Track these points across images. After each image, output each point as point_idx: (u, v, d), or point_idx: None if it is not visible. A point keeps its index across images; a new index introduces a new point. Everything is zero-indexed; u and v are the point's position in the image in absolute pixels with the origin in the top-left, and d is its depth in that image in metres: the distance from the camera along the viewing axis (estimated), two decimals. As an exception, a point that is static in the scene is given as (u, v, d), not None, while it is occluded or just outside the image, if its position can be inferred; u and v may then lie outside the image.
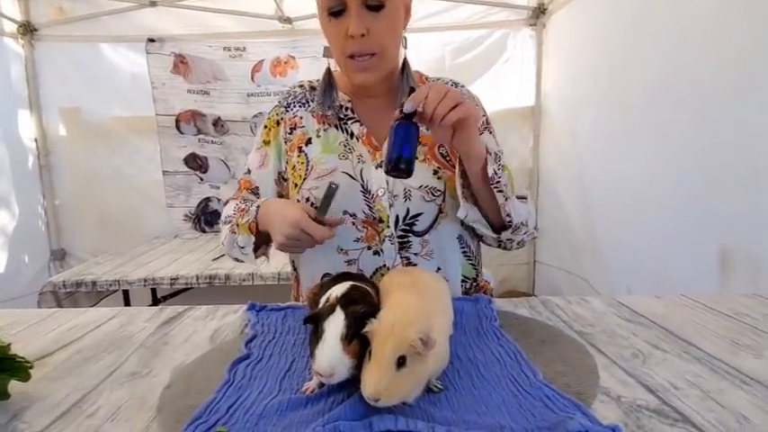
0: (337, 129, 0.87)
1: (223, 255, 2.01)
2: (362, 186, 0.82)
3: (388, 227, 0.80)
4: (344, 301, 0.51)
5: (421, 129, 0.68)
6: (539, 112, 2.47)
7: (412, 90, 0.69)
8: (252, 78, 2.43)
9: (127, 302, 2.06)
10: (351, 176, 0.83)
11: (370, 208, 0.81)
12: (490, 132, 0.91)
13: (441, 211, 0.83)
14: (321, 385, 0.52)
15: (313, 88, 0.92)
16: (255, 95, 2.44)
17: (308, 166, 0.86)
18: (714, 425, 0.45)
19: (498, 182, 0.75)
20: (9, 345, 0.54)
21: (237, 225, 0.83)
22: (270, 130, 0.91)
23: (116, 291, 1.93)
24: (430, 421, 0.45)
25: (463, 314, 0.72)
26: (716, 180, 1.29)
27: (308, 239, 0.71)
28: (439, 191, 0.83)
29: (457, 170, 0.77)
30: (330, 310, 0.50)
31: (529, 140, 2.52)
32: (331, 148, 0.86)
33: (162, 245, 2.32)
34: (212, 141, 2.47)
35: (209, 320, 0.76)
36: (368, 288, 0.58)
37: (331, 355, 0.47)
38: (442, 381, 0.52)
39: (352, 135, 0.87)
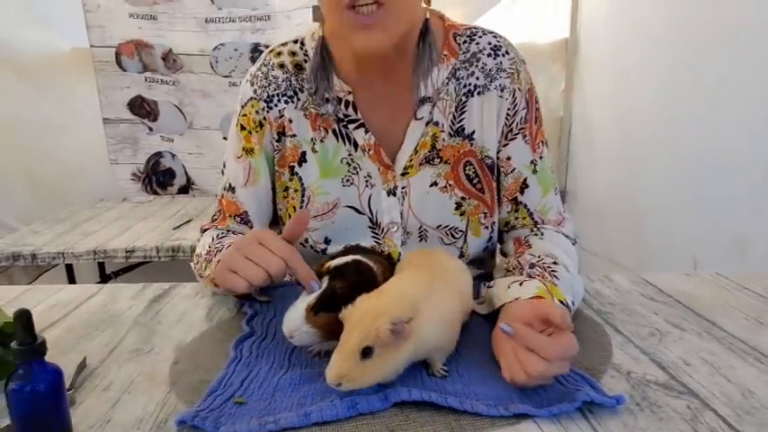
0: (336, 137, 0.83)
1: (188, 221, 2.10)
2: (371, 220, 0.83)
3: None
4: (336, 273, 0.65)
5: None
6: (573, 47, 2.55)
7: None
8: (211, -3, 2.37)
9: (71, 279, 2.19)
10: (357, 210, 0.82)
11: (379, 243, 0.84)
12: (524, 138, 0.83)
13: (462, 254, 0.85)
14: (324, 354, 0.67)
15: (299, 67, 0.84)
16: (216, 21, 2.39)
17: (303, 195, 0.84)
18: (718, 397, 0.60)
19: None
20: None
21: (201, 276, 0.85)
22: (251, 133, 0.85)
23: (57, 265, 2.02)
24: (443, 393, 0.60)
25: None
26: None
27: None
28: (460, 231, 0.82)
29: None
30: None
31: (560, 83, 2.60)
32: (331, 168, 0.83)
33: (108, 210, 2.37)
34: (162, 81, 2.47)
35: (199, 298, 0.90)
36: (372, 265, 0.69)
37: (293, 318, 0.63)
38: (454, 361, 0.66)
39: (356, 146, 0.83)
